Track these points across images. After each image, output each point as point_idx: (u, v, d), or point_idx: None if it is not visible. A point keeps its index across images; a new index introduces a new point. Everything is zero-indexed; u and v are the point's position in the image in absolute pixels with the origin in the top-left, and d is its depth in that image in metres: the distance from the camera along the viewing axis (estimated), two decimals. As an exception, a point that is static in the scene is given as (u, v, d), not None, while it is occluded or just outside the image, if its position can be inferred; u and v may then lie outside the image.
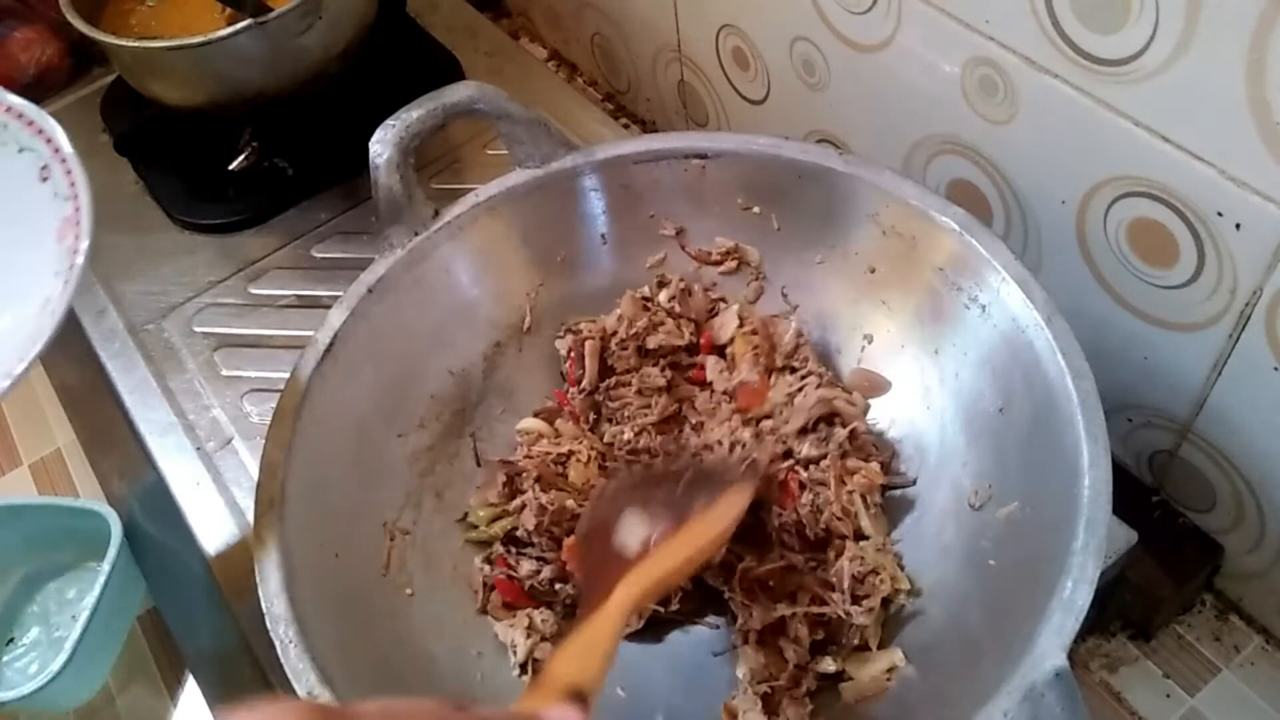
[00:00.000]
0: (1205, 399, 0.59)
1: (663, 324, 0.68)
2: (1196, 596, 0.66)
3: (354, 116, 0.73)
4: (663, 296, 0.69)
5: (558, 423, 0.68)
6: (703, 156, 0.67)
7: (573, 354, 0.68)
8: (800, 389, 0.64)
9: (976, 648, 0.51)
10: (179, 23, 0.86)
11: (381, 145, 0.63)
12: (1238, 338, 0.55)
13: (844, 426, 0.63)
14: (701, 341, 0.69)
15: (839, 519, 0.59)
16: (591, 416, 0.68)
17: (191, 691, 0.72)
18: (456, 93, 0.65)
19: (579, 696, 0.41)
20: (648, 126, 1.01)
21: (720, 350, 0.69)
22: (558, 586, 0.61)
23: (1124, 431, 0.65)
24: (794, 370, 0.66)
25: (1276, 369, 0.54)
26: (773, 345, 0.67)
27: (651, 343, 0.67)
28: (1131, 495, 0.65)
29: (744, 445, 0.62)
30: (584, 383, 0.68)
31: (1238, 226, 0.51)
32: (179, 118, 0.84)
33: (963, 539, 0.57)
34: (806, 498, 0.60)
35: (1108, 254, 0.59)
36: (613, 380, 0.68)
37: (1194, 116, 0.51)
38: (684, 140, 0.68)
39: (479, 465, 0.67)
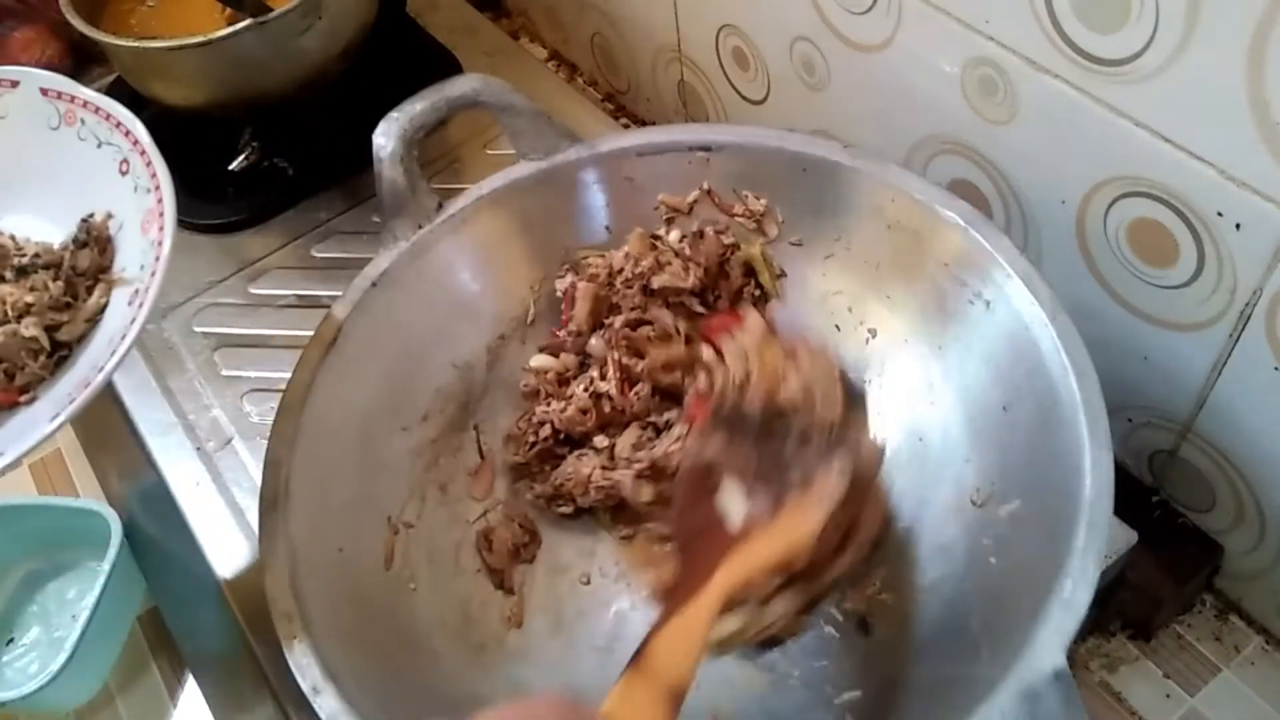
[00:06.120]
0: (1205, 399, 0.60)
1: (669, 264, 0.66)
2: (1196, 596, 0.66)
3: (354, 116, 0.72)
4: (673, 236, 0.67)
5: (562, 356, 0.68)
6: (707, 149, 0.67)
7: (567, 295, 0.68)
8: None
9: (975, 646, 0.51)
10: (179, 23, 0.86)
11: (385, 138, 0.63)
12: (1238, 337, 0.55)
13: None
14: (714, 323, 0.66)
15: None
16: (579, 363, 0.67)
17: (191, 691, 0.72)
18: (459, 85, 0.65)
19: (676, 696, 0.40)
20: (647, 126, 1.01)
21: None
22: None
23: (1124, 431, 0.65)
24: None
25: (1276, 369, 0.54)
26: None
27: (656, 283, 0.66)
28: (1131, 495, 0.65)
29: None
30: (573, 325, 0.67)
31: (1238, 226, 0.52)
32: (179, 118, 0.84)
33: (964, 537, 0.57)
34: None
35: (1108, 254, 0.60)
36: (632, 316, 0.66)
37: (1194, 116, 0.51)
38: (688, 133, 0.68)
39: (482, 458, 0.67)
